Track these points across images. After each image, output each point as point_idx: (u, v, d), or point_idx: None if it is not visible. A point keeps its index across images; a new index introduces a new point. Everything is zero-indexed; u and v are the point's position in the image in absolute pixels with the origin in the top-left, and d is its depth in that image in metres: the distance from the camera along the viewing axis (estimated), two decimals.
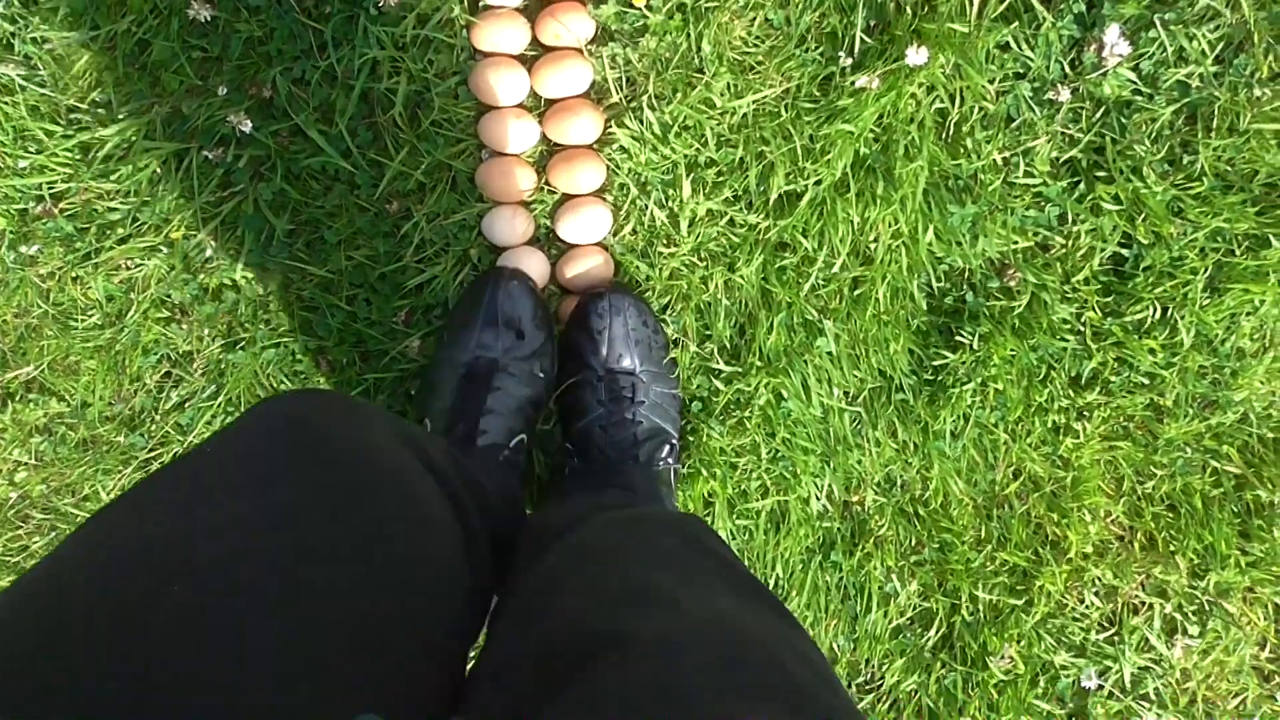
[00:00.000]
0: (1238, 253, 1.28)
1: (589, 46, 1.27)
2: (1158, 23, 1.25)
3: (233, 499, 0.66)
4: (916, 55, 1.22)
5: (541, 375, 1.26)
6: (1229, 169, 1.27)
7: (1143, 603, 1.38)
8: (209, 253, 1.33)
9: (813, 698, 0.63)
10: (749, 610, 0.74)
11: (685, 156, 1.27)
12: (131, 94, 1.30)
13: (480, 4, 1.26)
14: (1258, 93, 1.26)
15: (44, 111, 1.31)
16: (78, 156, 1.31)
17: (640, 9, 1.24)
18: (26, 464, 1.41)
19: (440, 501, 0.84)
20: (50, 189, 1.32)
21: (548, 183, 1.30)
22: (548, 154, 1.30)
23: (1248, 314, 1.29)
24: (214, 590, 0.58)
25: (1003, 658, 1.35)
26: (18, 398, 1.39)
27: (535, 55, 1.28)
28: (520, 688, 0.65)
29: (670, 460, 1.30)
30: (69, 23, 1.29)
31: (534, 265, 1.30)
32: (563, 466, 1.31)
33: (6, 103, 1.29)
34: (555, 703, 0.61)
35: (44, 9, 1.28)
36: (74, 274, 1.34)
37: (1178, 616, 1.37)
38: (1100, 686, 1.36)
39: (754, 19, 1.26)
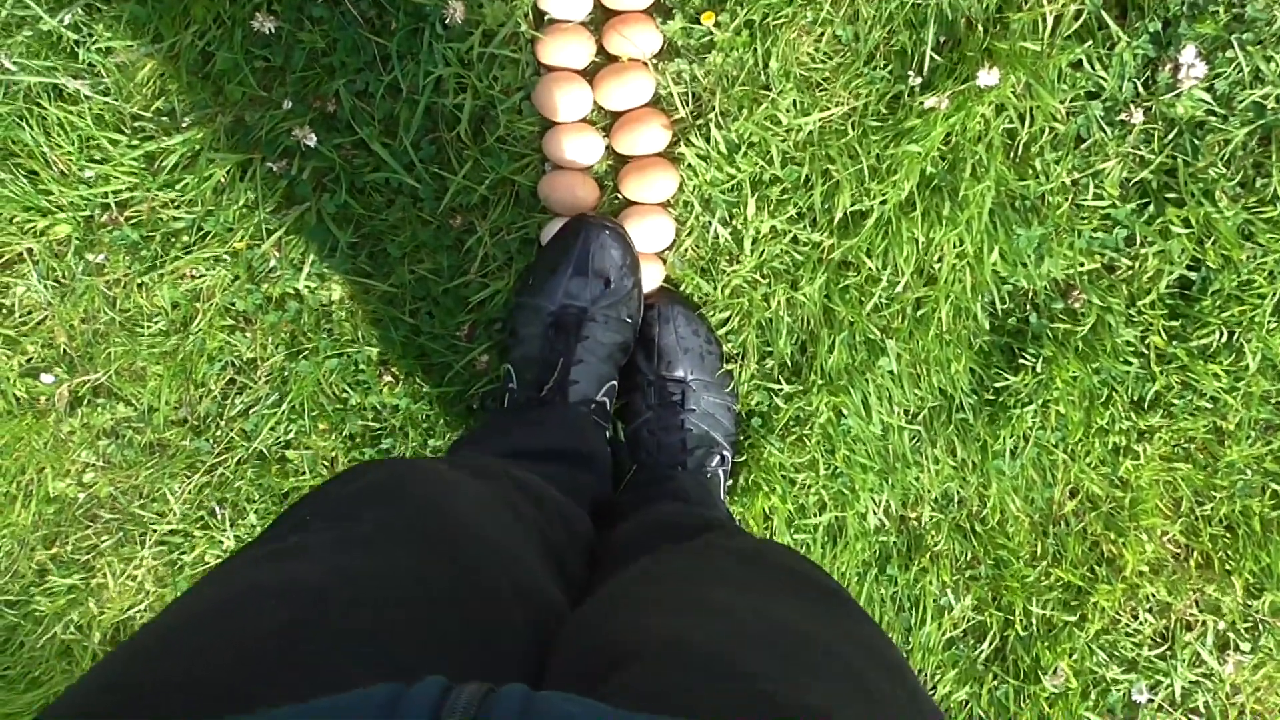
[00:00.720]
0: None
1: (654, 61, 1.25)
2: (1235, 43, 1.22)
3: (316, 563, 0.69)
4: (988, 76, 1.19)
5: (629, 320, 1.25)
6: None
7: (1196, 619, 1.38)
8: (272, 263, 1.32)
9: (872, 681, 0.64)
10: (808, 613, 0.75)
11: (750, 174, 1.25)
12: (195, 103, 1.29)
13: (545, 18, 1.25)
14: None
15: (109, 120, 1.30)
16: (143, 165, 1.30)
17: (708, 26, 1.22)
18: (95, 465, 1.43)
19: (533, 558, 0.85)
20: (116, 197, 1.32)
21: (619, 193, 1.28)
22: (613, 167, 1.29)
23: None
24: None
25: (1056, 674, 1.36)
26: (85, 402, 1.40)
27: (599, 68, 1.26)
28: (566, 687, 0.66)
29: (720, 470, 1.30)
30: (132, 31, 1.28)
31: None
32: (619, 469, 1.31)
33: (72, 111, 1.29)
34: (605, 686, 0.62)
35: (108, 17, 1.27)
36: (140, 281, 1.34)
37: (1231, 635, 1.37)
38: (1151, 700, 1.37)
39: (822, 35, 1.23)
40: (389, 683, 0.47)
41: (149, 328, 1.36)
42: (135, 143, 1.30)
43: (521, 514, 0.89)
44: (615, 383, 1.26)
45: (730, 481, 1.34)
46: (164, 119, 1.30)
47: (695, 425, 1.28)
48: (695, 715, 0.54)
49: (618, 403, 1.31)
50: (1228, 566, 1.35)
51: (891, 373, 1.30)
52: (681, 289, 1.32)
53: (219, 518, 1.42)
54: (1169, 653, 1.38)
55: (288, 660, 0.58)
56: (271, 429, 1.38)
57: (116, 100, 1.29)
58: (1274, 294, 1.25)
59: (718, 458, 1.29)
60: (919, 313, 1.28)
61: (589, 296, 1.22)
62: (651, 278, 1.29)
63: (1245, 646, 1.37)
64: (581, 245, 1.22)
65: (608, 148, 1.28)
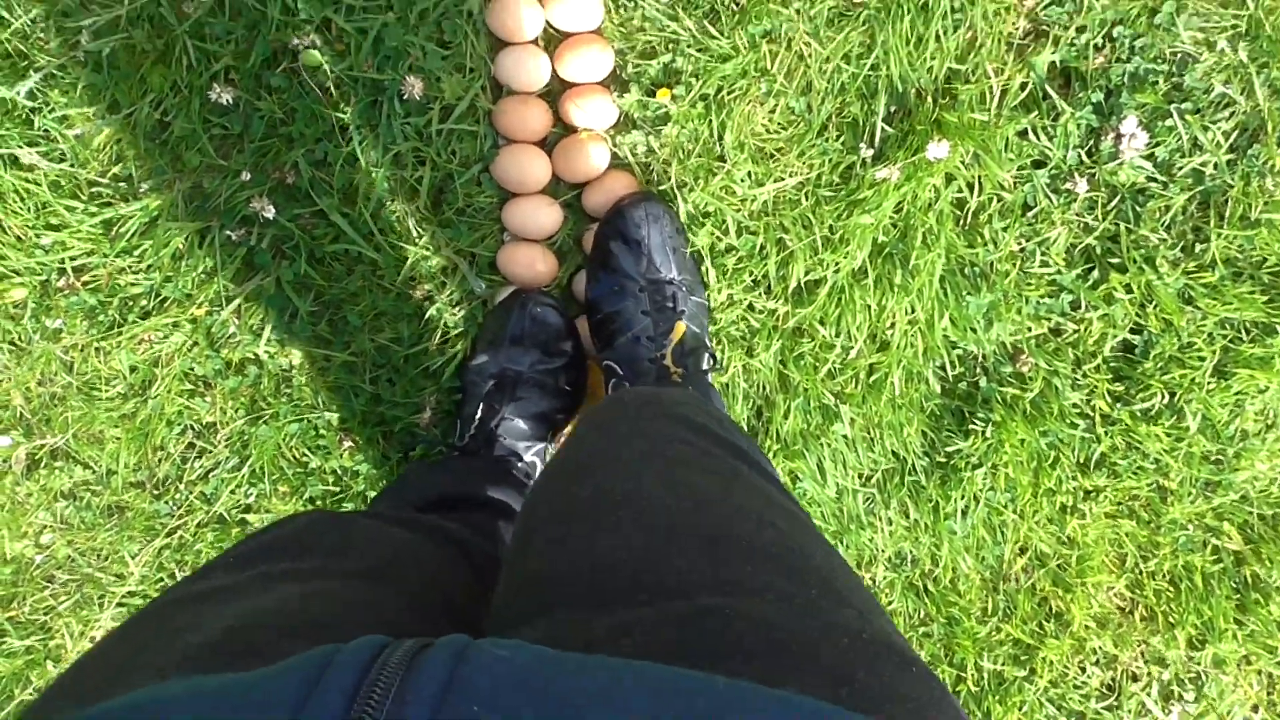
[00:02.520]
0: (1245, 340, 1.28)
1: (612, 133, 1.26)
2: (1174, 112, 1.25)
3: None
4: (938, 149, 1.21)
5: (568, 389, 1.25)
6: (1239, 256, 1.27)
7: (1141, 671, 1.41)
8: (232, 329, 1.32)
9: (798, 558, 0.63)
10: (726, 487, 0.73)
11: (707, 244, 1.26)
12: (152, 170, 1.28)
13: (504, 90, 1.25)
14: (1269, 183, 1.26)
15: (65, 187, 1.28)
16: (100, 231, 1.29)
17: (663, 101, 1.23)
18: (53, 527, 1.41)
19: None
20: (73, 262, 1.31)
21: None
22: (569, 237, 1.30)
23: (1252, 398, 1.30)
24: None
25: None
26: (43, 464, 1.39)
27: (557, 138, 1.27)
28: (573, 603, 0.63)
29: (709, 374, 1.24)
30: (88, 99, 1.27)
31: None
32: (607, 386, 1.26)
33: (28, 178, 1.28)
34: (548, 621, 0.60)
35: (64, 84, 1.26)
36: (97, 346, 1.33)
37: (1175, 686, 1.40)
38: None
39: (775, 107, 1.24)
40: (324, 646, 0.47)
41: (107, 391, 1.35)
42: (93, 210, 1.28)
43: (423, 559, 0.87)
44: (546, 445, 1.25)
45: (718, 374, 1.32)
46: (121, 185, 1.29)
47: (688, 326, 1.23)
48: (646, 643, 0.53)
49: (604, 315, 1.26)
50: (1171, 620, 1.37)
51: (846, 437, 1.32)
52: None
53: (178, 581, 1.41)
54: (1115, 704, 1.40)
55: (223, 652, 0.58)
56: (232, 492, 1.37)
57: (73, 166, 1.28)
58: (1213, 357, 1.28)
59: (709, 357, 1.24)
60: (872, 378, 1.30)
61: (527, 362, 1.23)
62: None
63: (1189, 696, 1.40)
64: (517, 317, 1.23)
65: (567, 217, 1.28)
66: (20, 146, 1.26)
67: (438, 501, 1.13)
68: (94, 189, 1.29)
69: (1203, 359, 1.27)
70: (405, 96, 1.20)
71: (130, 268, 1.30)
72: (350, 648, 0.46)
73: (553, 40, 1.25)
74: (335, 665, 0.44)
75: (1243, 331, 1.28)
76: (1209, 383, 1.28)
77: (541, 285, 1.28)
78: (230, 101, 1.23)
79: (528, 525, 0.75)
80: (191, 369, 1.33)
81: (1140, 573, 1.37)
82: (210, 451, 1.37)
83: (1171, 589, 1.37)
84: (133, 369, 1.34)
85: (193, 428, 1.36)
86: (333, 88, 1.23)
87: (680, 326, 1.21)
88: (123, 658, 0.60)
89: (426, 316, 1.29)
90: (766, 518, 0.66)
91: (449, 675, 0.44)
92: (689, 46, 1.22)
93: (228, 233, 1.27)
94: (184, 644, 0.59)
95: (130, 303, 1.32)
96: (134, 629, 0.65)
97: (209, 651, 0.58)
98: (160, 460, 1.37)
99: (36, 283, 1.31)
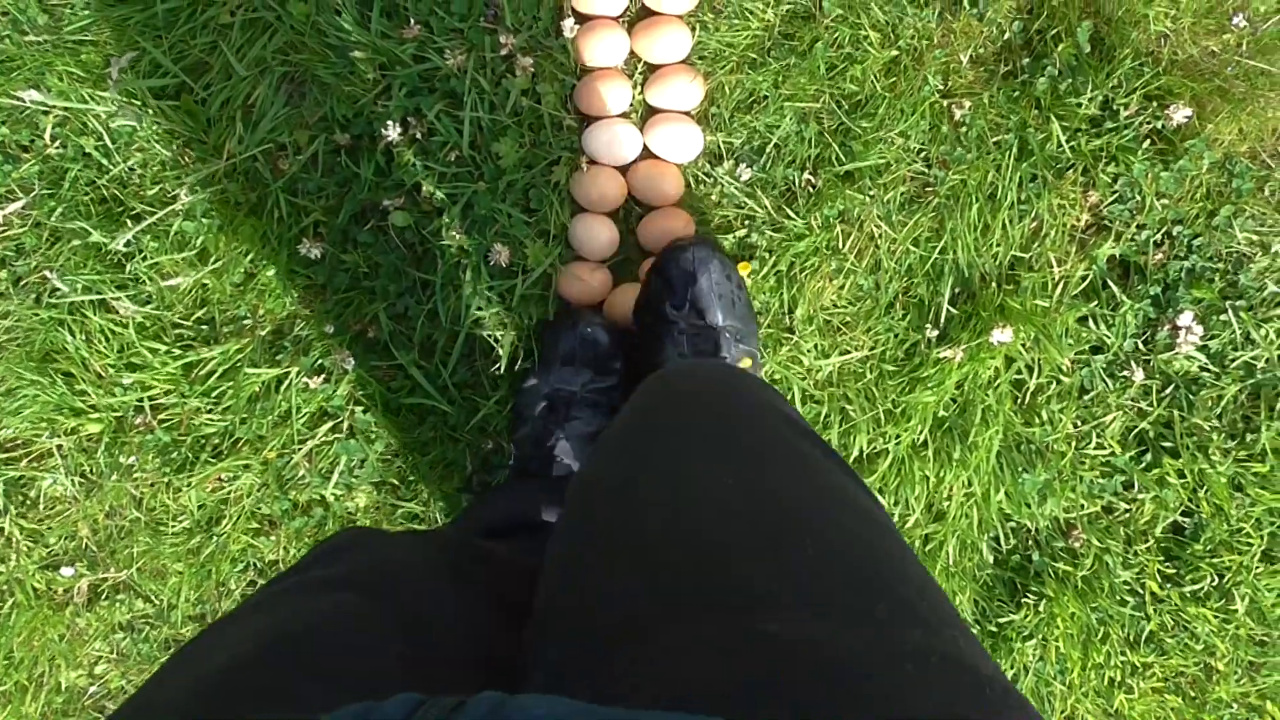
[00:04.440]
0: None
1: None
2: (1229, 308, 1.28)
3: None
4: (1001, 334, 1.24)
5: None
6: None
7: None
8: (302, 472, 1.33)
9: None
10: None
11: None
12: (235, 316, 1.31)
13: (571, 253, 1.28)
14: None
15: (149, 328, 1.31)
16: (180, 373, 1.31)
17: (744, 275, 1.26)
18: (108, 658, 1.41)
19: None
20: (151, 401, 1.32)
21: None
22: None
23: None
24: None
25: None
26: (104, 596, 1.39)
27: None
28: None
29: None
30: (179, 245, 1.29)
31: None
32: None
33: (114, 320, 1.30)
34: (615, 666, 0.57)
35: (157, 231, 1.29)
36: (167, 482, 1.35)
37: None
38: None
39: (845, 284, 1.28)
40: (360, 702, 0.46)
41: (173, 527, 1.35)
42: (175, 352, 1.30)
43: (463, 571, 0.85)
44: None
45: None
46: (204, 328, 1.31)
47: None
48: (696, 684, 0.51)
49: (641, 354, 1.25)
50: None
51: None
52: None
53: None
54: None
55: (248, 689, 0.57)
56: None
57: (158, 309, 1.30)
58: (1261, 543, 1.30)
59: None
60: (927, 546, 1.32)
61: (579, 382, 1.23)
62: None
63: None
64: (568, 338, 1.23)
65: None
66: (110, 291, 1.28)
67: (498, 528, 1.12)
68: (177, 331, 1.31)
69: (1251, 545, 1.29)
70: (492, 263, 1.23)
71: (206, 408, 1.32)
72: (386, 706, 0.45)
73: (632, 211, 1.29)
74: None
75: None
76: (1257, 567, 1.30)
77: None
78: (318, 255, 1.26)
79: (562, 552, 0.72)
80: (258, 508, 1.35)
81: None
82: None
83: None
84: (201, 506, 1.35)
85: (255, 565, 1.37)
86: (417, 243, 1.26)
87: None
88: (151, 691, 0.59)
89: (493, 467, 1.30)
90: (837, 517, 0.63)
91: None
92: (764, 224, 1.26)
93: (305, 379, 1.30)
94: (209, 664, 0.59)
95: (203, 442, 1.33)
96: (186, 649, 0.65)
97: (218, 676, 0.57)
98: (221, 596, 1.38)
99: (113, 419, 1.33)
